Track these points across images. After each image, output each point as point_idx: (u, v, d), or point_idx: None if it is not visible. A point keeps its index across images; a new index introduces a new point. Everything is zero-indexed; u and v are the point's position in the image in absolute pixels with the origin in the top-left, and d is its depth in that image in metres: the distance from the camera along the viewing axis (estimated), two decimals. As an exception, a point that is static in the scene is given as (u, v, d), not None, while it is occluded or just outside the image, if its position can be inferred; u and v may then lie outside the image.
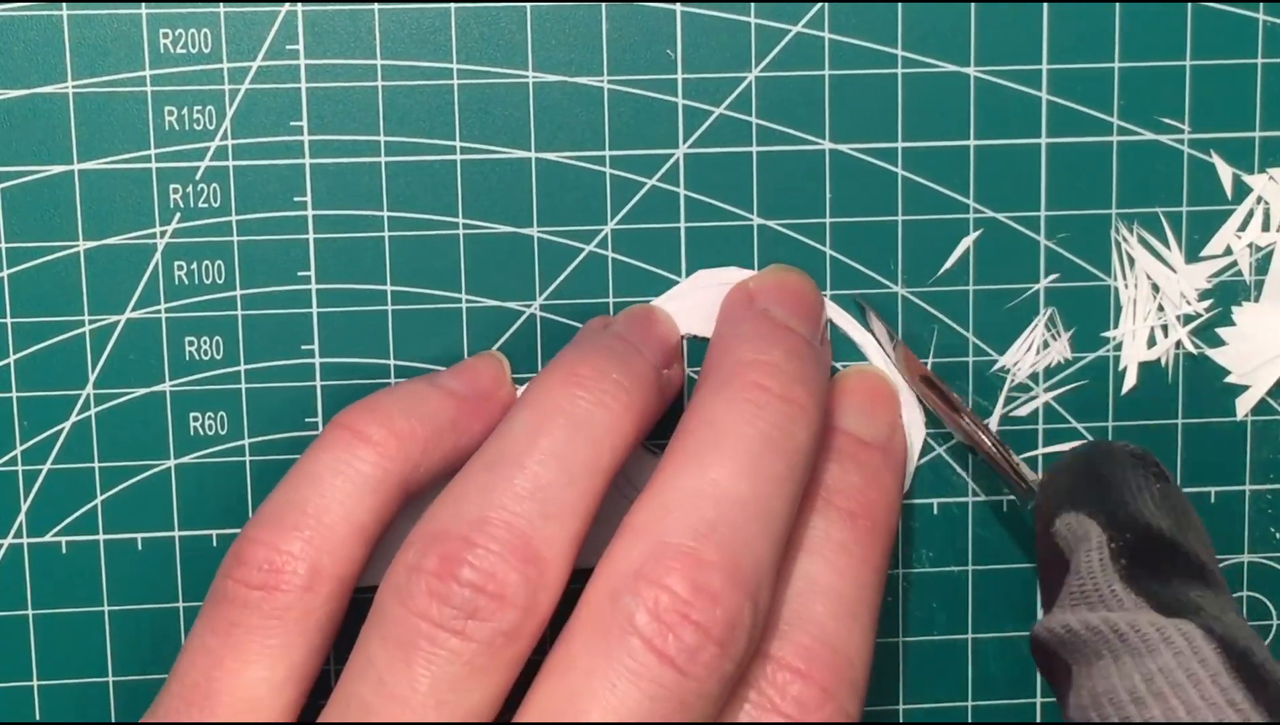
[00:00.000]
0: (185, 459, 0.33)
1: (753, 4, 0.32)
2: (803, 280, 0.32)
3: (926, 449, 0.34)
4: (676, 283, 0.33)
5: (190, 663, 0.28)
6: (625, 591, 0.26)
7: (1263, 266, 0.33)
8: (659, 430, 0.30)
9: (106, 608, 0.33)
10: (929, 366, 0.33)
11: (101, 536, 0.33)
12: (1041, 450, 0.34)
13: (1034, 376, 0.34)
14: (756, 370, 0.29)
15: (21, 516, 0.33)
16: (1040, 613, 0.29)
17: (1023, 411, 0.34)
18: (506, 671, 0.27)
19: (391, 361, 0.33)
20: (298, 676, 0.28)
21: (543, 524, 0.27)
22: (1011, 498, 0.34)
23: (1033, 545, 0.33)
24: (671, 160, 0.33)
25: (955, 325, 0.33)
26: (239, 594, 0.28)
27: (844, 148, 0.33)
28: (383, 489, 0.29)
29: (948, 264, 0.33)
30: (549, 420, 0.28)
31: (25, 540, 0.33)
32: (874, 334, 0.33)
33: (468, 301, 0.33)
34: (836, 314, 0.33)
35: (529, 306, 0.33)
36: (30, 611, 0.33)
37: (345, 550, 0.29)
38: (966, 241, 0.33)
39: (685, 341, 0.33)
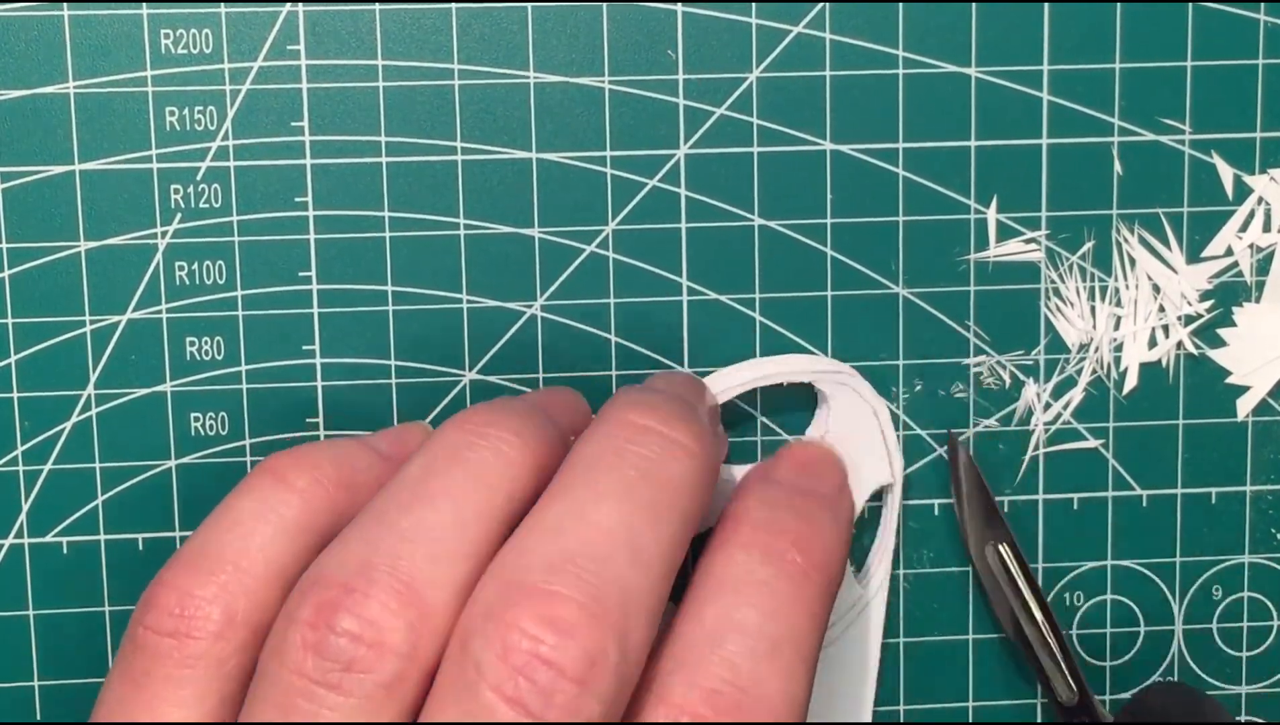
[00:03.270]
0: (186, 459, 0.33)
1: (754, 4, 0.32)
2: (697, 381, 0.32)
3: (926, 450, 0.34)
4: (678, 283, 0.33)
5: (105, 713, 0.27)
6: (475, 635, 0.25)
7: (1264, 267, 0.33)
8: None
9: (107, 608, 0.33)
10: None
11: (102, 537, 0.33)
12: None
13: (1034, 375, 0.34)
14: (633, 411, 0.28)
15: (22, 517, 0.33)
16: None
17: (1024, 412, 0.34)
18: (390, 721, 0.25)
19: (392, 361, 0.33)
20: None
21: (428, 567, 0.26)
22: (1014, 497, 0.34)
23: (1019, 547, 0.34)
24: (672, 161, 0.33)
25: (955, 325, 0.33)
26: (149, 641, 0.27)
27: (845, 148, 0.33)
28: (305, 535, 0.28)
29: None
30: (441, 465, 0.27)
31: (26, 540, 0.33)
32: (960, 473, 0.33)
33: (468, 302, 0.33)
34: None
35: (530, 307, 0.33)
36: (31, 612, 0.33)
37: (263, 595, 0.27)
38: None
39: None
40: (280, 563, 0.28)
